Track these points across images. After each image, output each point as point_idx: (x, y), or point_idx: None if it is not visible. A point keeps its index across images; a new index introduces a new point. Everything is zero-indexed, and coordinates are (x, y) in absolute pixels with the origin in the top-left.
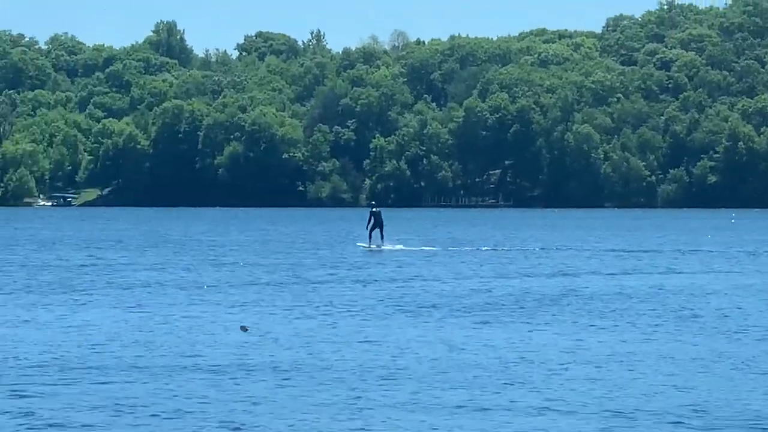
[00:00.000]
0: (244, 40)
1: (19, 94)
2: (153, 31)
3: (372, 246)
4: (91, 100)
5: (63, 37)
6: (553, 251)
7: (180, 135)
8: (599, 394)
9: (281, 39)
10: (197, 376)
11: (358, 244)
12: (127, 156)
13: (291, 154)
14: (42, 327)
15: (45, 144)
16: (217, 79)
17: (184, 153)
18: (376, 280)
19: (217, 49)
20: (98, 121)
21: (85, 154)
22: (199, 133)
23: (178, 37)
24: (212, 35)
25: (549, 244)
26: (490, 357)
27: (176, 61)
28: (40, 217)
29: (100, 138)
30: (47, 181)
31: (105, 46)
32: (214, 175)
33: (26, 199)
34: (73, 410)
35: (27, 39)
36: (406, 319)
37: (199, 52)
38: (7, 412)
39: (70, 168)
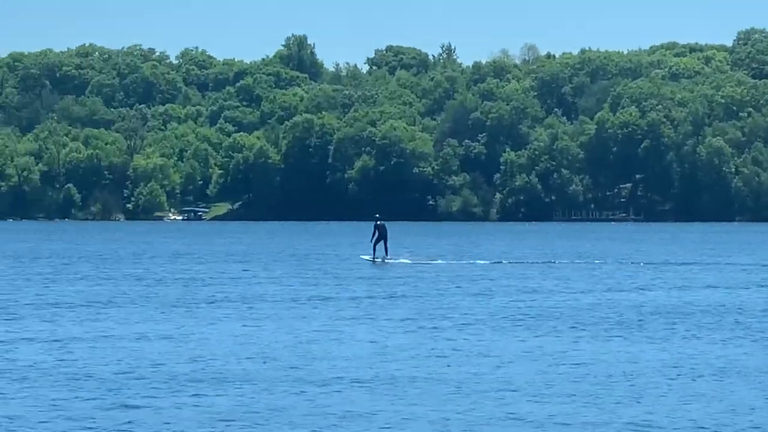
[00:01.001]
0: (375, 54)
1: (149, 108)
2: (284, 45)
3: (376, 259)
4: (222, 114)
5: (194, 52)
6: (676, 265)
7: (310, 149)
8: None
9: (411, 53)
10: (313, 389)
11: (361, 256)
12: (257, 170)
13: (421, 168)
14: (164, 339)
15: (176, 158)
16: (347, 93)
17: (315, 167)
18: (490, 293)
19: (348, 63)
20: (229, 135)
21: (216, 168)
22: (329, 147)
23: (308, 51)
24: (343, 49)
25: (675, 258)
26: (618, 370)
27: (307, 75)
28: (170, 230)
29: (230, 152)
30: (178, 195)
31: (236, 60)
32: (344, 189)
33: (157, 213)
34: (193, 423)
35: (158, 53)
36: (524, 332)
37: (329, 66)
38: (118, 422)
39: (200, 182)
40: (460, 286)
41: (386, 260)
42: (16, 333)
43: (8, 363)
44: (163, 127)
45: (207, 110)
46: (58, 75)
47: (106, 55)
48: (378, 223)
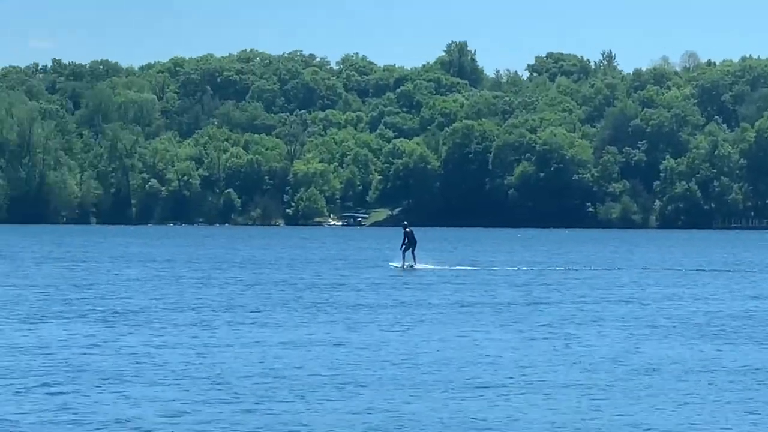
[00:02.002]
0: (535, 60)
1: (310, 113)
2: (444, 51)
3: (405, 265)
4: (382, 120)
5: (354, 58)
6: None
7: (470, 155)
8: None
9: (572, 60)
10: (459, 395)
11: (390, 264)
12: (417, 176)
13: (581, 175)
14: (307, 344)
15: (335, 164)
16: (507, 99)
17: (474, 173)
18: (632, 300)
19: (508, 70)
20: (389, 141)
21: (376, 174)
22: (489, 153)
23: (469, 57)
24: (503, 55)
25: None
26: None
27: (467, 82)
28: (328, 236)
29: (390, 158)
30: (338, 200)
31: (396, 66)
32: (503, 196)
33: (317, 219)
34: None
35: (318, 59)
36: (651, 338)
37: (489, 72)
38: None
39: (360, 188)
40: (606, 293)
41: (414, 267)
42: (161, 336)
43: (155, 366)
44: (323, 133)
45: (367, 116)
46: (219, 80)
47: (267, 61)
48: (407, 230)
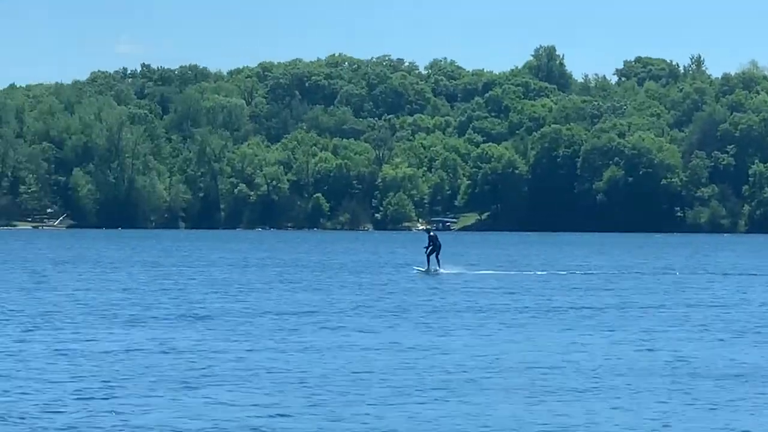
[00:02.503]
0: (623, 65)
1: (398, 118)
2: (532, 56)
3: (431, 269)
4: (470, 125)
5: (443, 62)
6: None
7: (558, 159)
8: None
9: (660, 64)
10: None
11: (414, 268)
12: (505, 181)
13: (669, 180)
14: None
15: (424, 168)
16: (596, 104)
17: (562, 178)
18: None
19: (596, 74)
20: (477, 146)
21: (464, 178)
22: (577, 158)
23: (557, 62)
24: (591, 60)
25: None
26: None
27: (555, 86)
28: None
29: (479, 163)
30: (426, 205)
31: (484, 71)
32: (592, 200)
33: (405, 224)
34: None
35: (407, 64)
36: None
37: (578, 77)
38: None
39: (448, 192)
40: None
41: (438, 271)
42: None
43: (246, 370)
44: (411, 138)
45: (455, 120)
46: (307, 85)
47: (356, 65)
48: (431, 234)
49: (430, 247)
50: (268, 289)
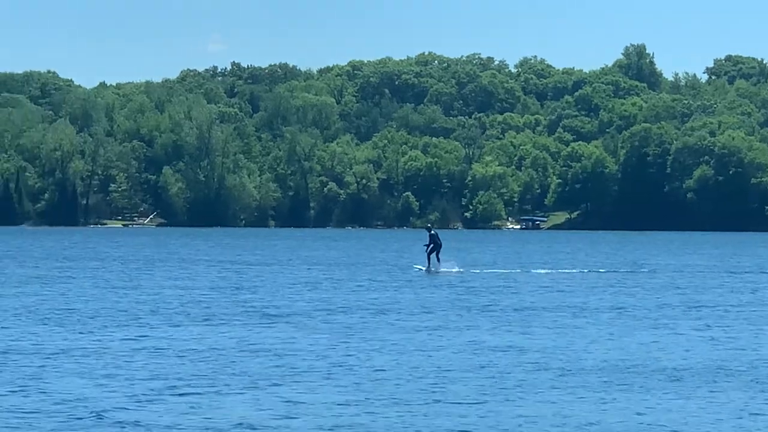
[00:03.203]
0: (714, 63)
1: (488, 116)
2: (622, 54)
3: (431, 268)
4: (560, 123)
5: (532, 60)
6: None
7: (648, 158)
8: None
9: (751, 62)
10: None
11: (414, 266)
12: (595, 179)
13: (759, 179)
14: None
15: (514, 167)
16: (686, 102)
17: (652, 177)
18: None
19: (687, 73)
20: (567, 144)
21: (554, 177)
22: (667, 156)
23: (647, 60)
24: (681, 58)
25: None
26: None
27: (645, 84)
28: (503, 239)
29: (569, 161)
30: (516, 203)
31: (574, 69)
32: (682, 199)
33: (495, 222)
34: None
35: (497, 62)
36: None
37: (668, 75)
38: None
39: (538, 191)
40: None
41: (439, 270)
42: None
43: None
44: (501, 136)
45: (545, 119)
46: (397, 83)
47: (446, 64)
48: (432, 232)
49: (431, 246)
50: (358, 287)
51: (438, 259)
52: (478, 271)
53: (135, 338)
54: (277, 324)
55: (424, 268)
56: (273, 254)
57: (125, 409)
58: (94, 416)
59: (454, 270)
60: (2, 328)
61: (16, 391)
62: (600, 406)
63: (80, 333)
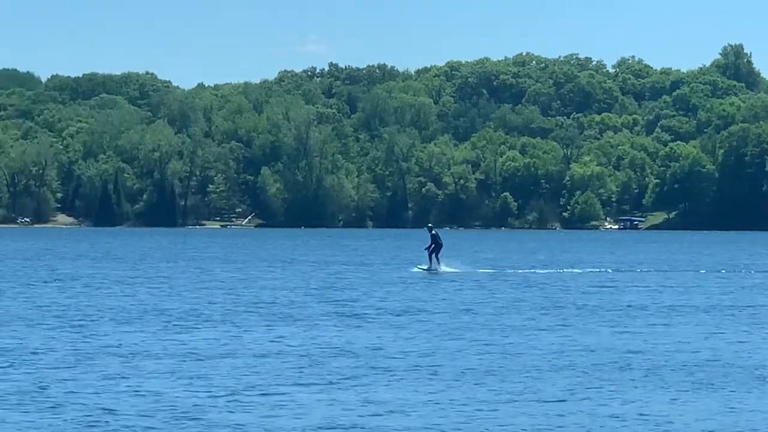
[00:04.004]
0: None
1: (586, 117)
2: (720, 54)
3: (432, 268)
4: (658, 123)
5: (630, 61)
6: None
7: (746, 158)
8: None
9: None
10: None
11: (416, 267)
12: (693, 179)
13: None
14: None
15: (612, 167)
16: None
17: (751, 176)
18: None
19: None
20: (665, 145)
21: (652, 177)
22: (766, 156)
23: (745, 60)
24: None
25: None
26: None
27: (743, 84)
28: (600, 239)
29: (666, 161)
30: (614, 204)
31: (672, 69)
32: None
33: (593, 222)
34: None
35: (595, 62)
36: None
37: (766, 75)
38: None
39: (636, 191)
40: None
41: (439, 270)
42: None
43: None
44: (599, 136)
45: (643, 119)
46: (495, 83)
47: (543, 64)
48: (432, 233)
49: (432, 246)
50: (451, 287)
51: (438, 260)
52: (578, 270)
53: (229, 337)
54: (367, 324)
55: (425, 268)
56: (368, 254)
57: (213, 407)
58: (182, 416)
59: (457, 270)
60: (95, 327)
61: (106, 391)
62: (685, 406)
63: (171, 332)
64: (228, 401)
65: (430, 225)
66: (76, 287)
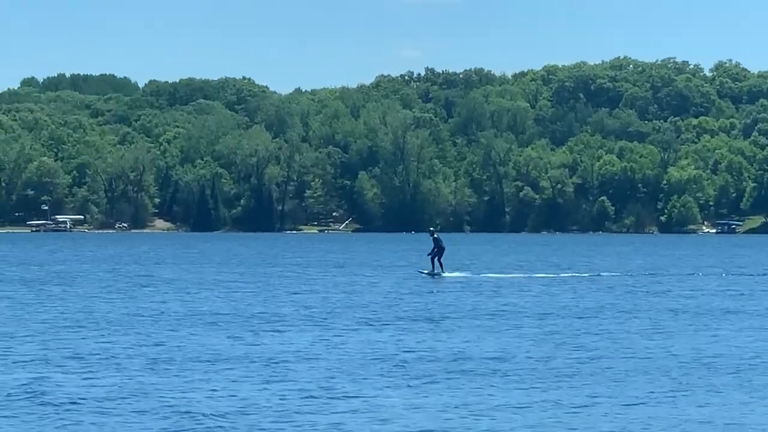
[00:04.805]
0: None
1: (683, 120)
2: None
3: (435, 272)
4: (756, 127)
5: (728, 64)
6: None
7: None
8: None
9: None
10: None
11: (419, 271)
12: None
13: None
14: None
15: (709, 170)
16: None
17: None
18: None
19: None
20: (762, 149)
21: (750, 181)
22: None
23: None
24: None
25: None
26: None
27: None
28: (700, 244)
29: (764, 165)
30: (711, 207)
31: None
32: None
33: (690, 226)
34: None
35: (692, 66)
36: None
37: None
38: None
39: (734, 195)
40: None
41: (442, 274)
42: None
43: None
44: (696, 140)
45: (740, 123)
46: (592, 87)
47: (640, 68)
48: (435, 236)
49: (434, 250)
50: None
51: (441, 264)
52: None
53: (320, 340)
54: (456, 328)
55: (428, 272)
56: (464, 259)
57: (287, 411)
58: (258, 417)
59: (457, 274)
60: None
61: (185, 395)
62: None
63: (260, 336)
64: (317, 403)
65: (432, 229)
66: (171, 291)
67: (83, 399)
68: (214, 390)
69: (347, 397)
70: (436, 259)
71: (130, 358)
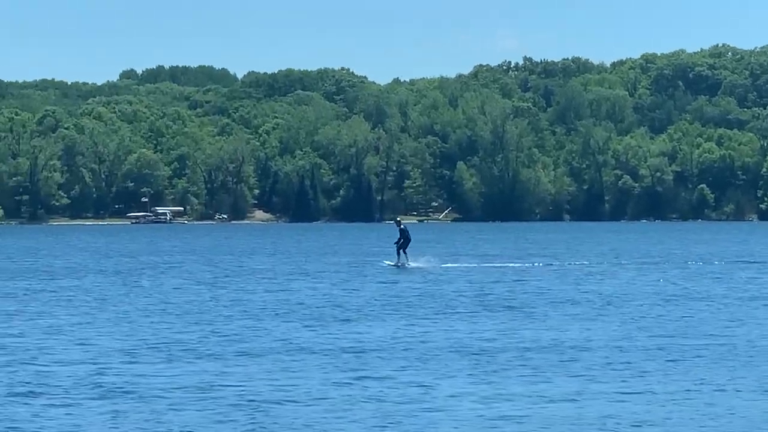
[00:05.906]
0: None
1: None
2: None
3: (399, 263)
4: None
5: None
6: None
7: None
8: None
9: None
10: None
11: (385, 262)
12: None
13: None
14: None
15: None
16: None
17: None
18: None
19: None
20: None
21: None
22: None
23: None
24: None
25: None
26: None
27: None
28: None
29: None
30: None
31: None
32: None
33: None
34: None
35: None
36: None
37: None
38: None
39: None
40: None
41: (407, 264)
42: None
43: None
44: None
45: None
46: (691, 75)
47: (739, 56)
48: (401, 227)
49: (401, 241)
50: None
51: (406, 254)
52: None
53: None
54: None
55: (393, 263)
56: (559, 247)
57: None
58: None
59: (426, 265)
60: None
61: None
62: None
63: (340, 326)
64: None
65: (398, 219)
66: (267, 281)
67: (161, 390)
68: (288, 379)
69: (423, 386)
70: (401, 250)
71: (211, 348)
